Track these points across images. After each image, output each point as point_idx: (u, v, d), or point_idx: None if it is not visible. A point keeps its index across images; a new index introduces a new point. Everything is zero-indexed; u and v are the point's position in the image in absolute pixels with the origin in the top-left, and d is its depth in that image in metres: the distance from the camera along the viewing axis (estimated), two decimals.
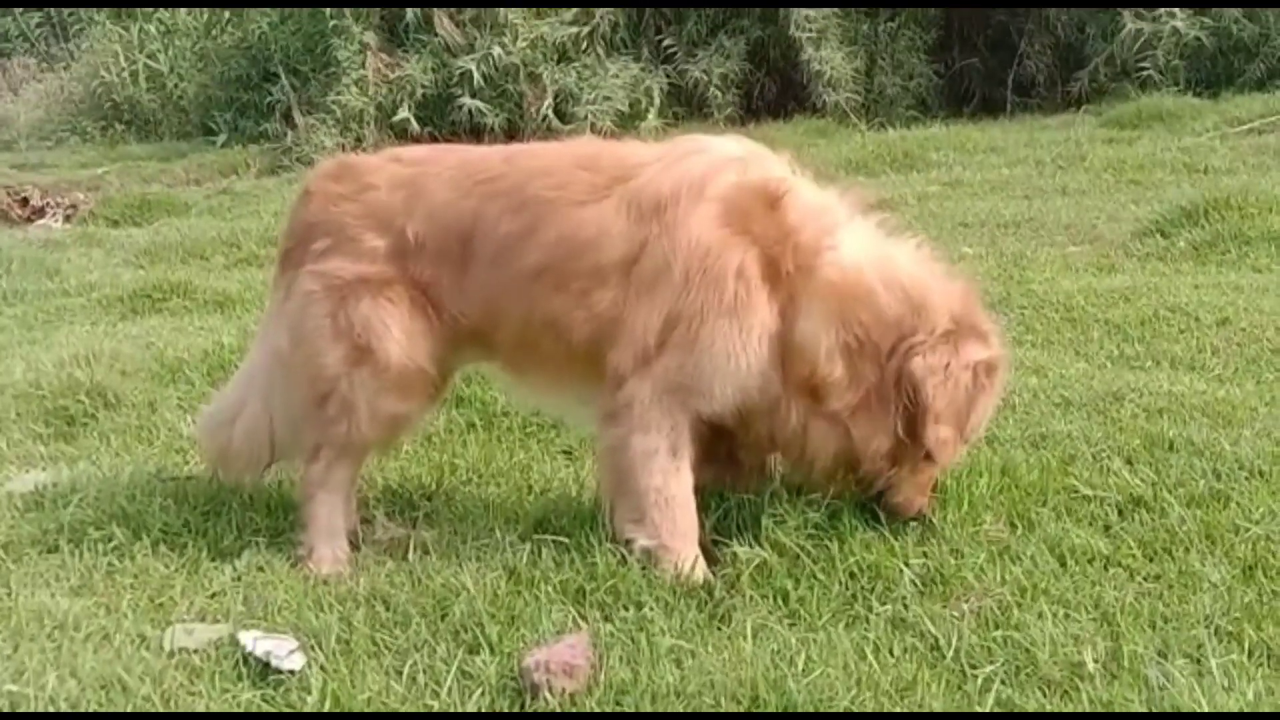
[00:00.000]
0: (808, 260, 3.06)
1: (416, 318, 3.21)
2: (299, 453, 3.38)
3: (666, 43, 11.76)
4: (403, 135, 11.23)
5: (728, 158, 3.18)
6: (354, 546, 3.33)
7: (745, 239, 3.04)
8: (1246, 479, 3.43)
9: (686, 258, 3.03)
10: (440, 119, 11.50)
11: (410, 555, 3.20)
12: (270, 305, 3.60)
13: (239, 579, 3.18)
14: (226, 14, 13.30)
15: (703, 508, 3.17)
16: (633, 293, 3.07)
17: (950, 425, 3.08)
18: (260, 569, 3.22)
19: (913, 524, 3.17)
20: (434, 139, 11.12)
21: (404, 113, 11.21)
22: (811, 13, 11.29)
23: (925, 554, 3.06)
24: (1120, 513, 3.30)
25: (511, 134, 11.29)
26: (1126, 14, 11.10)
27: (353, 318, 3.20)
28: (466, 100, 11.32)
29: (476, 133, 11.36)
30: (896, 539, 3.11)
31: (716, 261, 3.02)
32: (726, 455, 3.27)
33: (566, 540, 3.12)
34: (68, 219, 9.76)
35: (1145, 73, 10.99)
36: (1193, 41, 10.98)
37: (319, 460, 3.29)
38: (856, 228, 3.16)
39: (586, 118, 10.96)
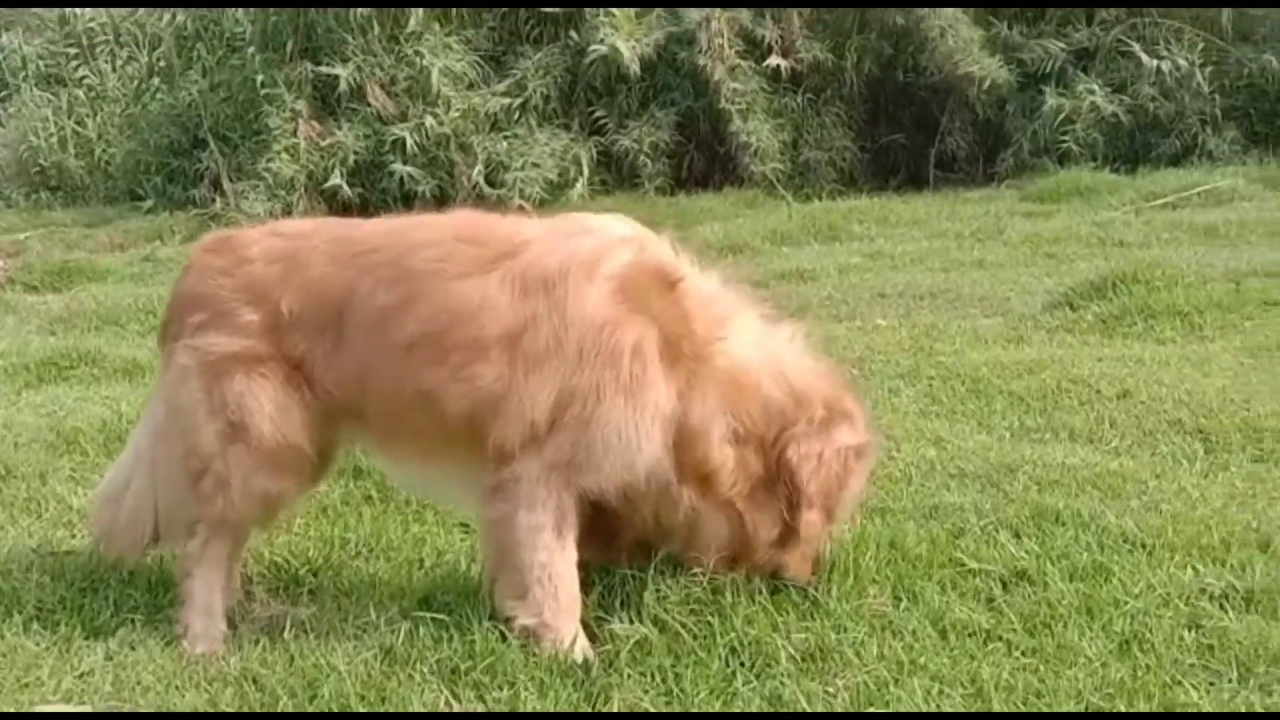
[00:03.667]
0: (701, 349, 3.08)
1: (290, 394, 3.17)
2: (180, 530, 3.31)
3: (598, 114, 11.88)
4: (333, 201, 11.23)
5: (619, 237, 3.19)
6: (232, 625, 3.27)
7: (643, 317, 3.04)
8: (1129, 552, 3.46)
9: (580, 335, 3.01)
10: (371, 186, 11.51)
11: (287, 634, 3.14)
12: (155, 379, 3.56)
13: (110, 658, 3.11)
14: (156, 80, 13.26)
15: (585, 583, 3.14)
16: (519, 369, 3.03)
17: (819, 509, 3.15)
18: (133, 647, 3.15)
19: (796, 597, 3.17)
20: (365, 205, 11.14)
21: (336, 179, 11.21)
22: (740, 85, 11.47)
23: (807, 629, 3.04)
24: (1004, 586, 3.31)
25: (442, 200, 11.29)
26: (1047, 91, 11.39)
27: (226, 394, 3.16)
28: (398, 167, 11.34)
29: (408, 199, 11.38)
30: (779, 614, 3.09)
31: (611, 338, 3.01)
32: (607, 532, 3.25)
33: (447, 618, 3.07)
34: None
35: (1065, 146, 11.24)
36: (1110, 117, 11.26)
37: (196, 537, 3.24)
38: (744, 318, 3.20)
39: (515, 184, 11.01)
